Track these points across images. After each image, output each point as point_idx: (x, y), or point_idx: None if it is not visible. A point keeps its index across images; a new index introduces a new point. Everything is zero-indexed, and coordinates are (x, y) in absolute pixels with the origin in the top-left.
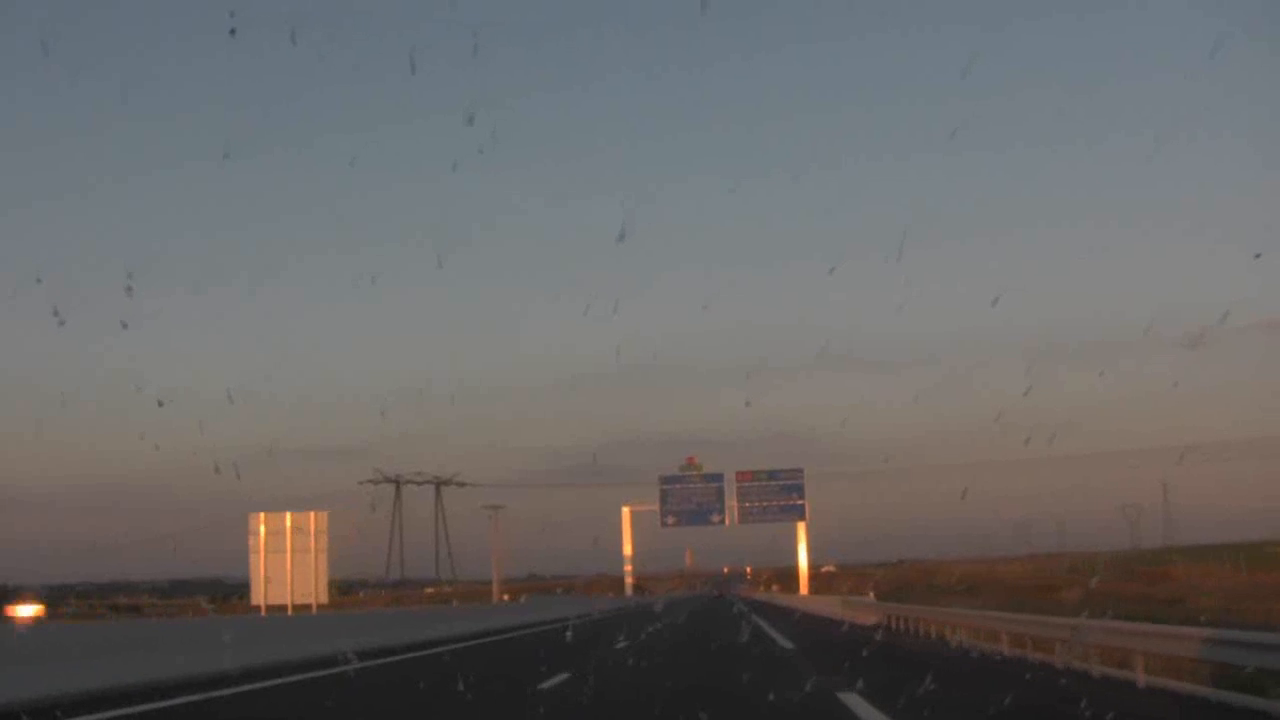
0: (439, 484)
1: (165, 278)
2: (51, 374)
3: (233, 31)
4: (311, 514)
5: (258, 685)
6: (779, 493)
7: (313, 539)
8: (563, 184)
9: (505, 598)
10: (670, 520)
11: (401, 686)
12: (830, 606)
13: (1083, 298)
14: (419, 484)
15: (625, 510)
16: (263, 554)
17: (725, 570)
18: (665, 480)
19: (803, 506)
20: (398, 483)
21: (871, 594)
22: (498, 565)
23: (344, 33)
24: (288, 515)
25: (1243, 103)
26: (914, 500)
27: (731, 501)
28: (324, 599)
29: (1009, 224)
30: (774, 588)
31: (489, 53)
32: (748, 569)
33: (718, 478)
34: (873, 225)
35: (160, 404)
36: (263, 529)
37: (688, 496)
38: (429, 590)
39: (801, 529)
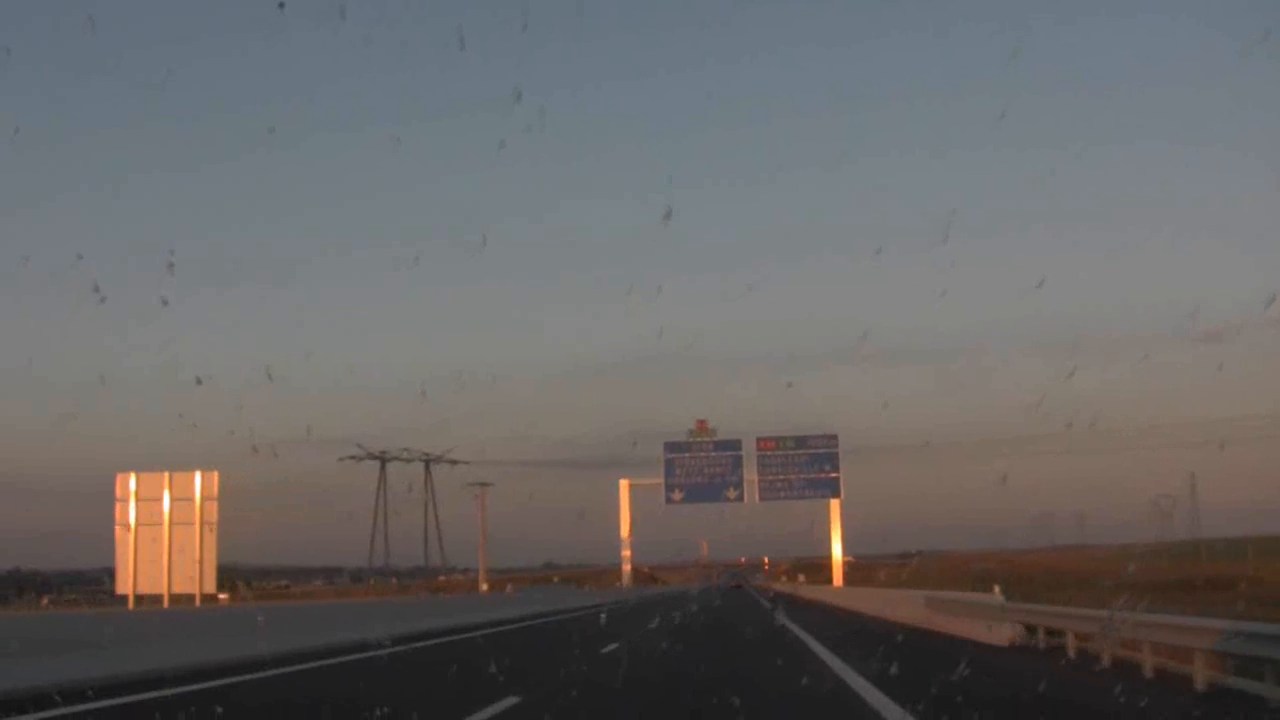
0: (428, 461)
1: (190, 270)
2: (82, 363)
3: (282, 5)
4: (196, 474)
5: None
6: (808, 464)
7: (198, 509)
8: (594, 177)
9: (484, 588)
10: (676, 496)
11: None
12: (900, 606)
13: (1107, 293)
14: (406, 461)
15: (623, 485)
16: (134, 528)
17: (742, 561)
18: (670, 448)
19: (836, 481)
20: (382, 459)
21: (998, 590)
22: (483, 549)
23: (385, 26)
24: (166, 477)
25: (1274, 102)
26: (926, 492)
27: (751, 475)
28: (210, 587)
29: (1037, 220)
30: (799, 578)
31: (513, 48)
32: (764, 560)
33: (733, 445)
34: (898, 220)
35: (199, 381)
36: (134, 499)
37: (698, 468)
38: (442, 579)
39: (835, 508)
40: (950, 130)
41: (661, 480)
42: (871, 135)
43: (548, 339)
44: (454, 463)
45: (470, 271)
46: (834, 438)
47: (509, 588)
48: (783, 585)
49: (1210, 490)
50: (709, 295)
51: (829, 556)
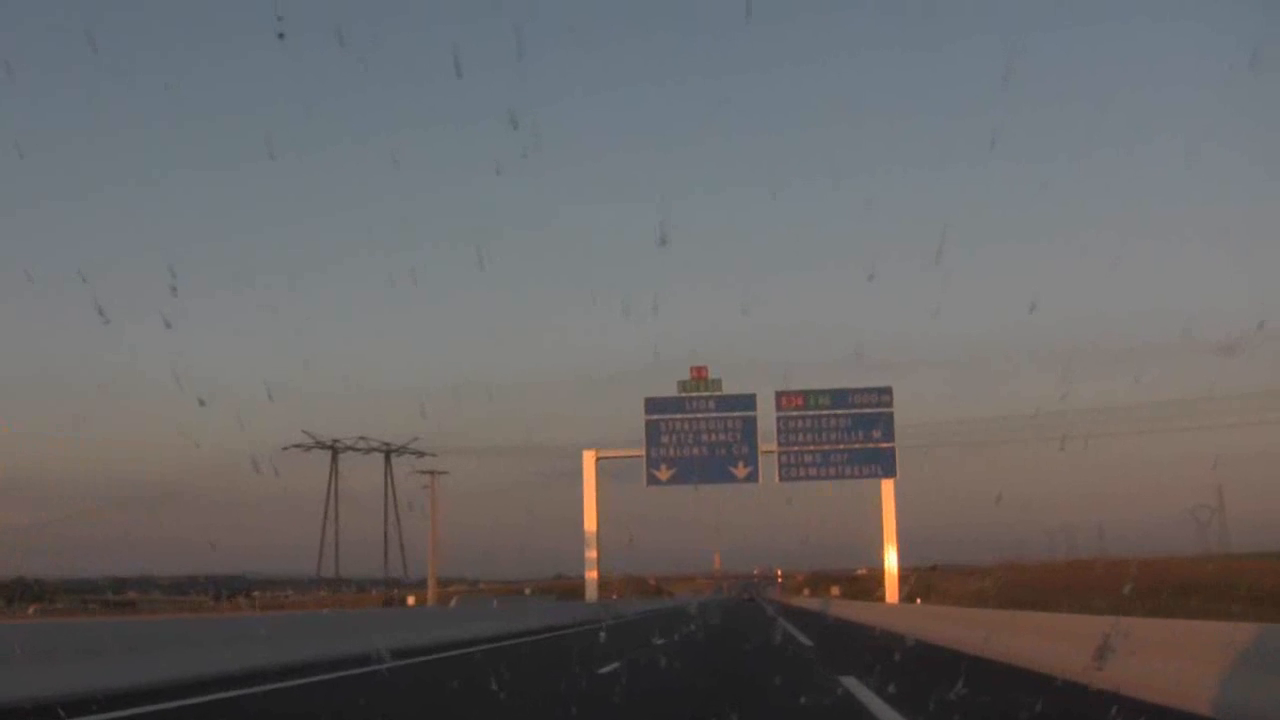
0: (389, 452)
1: (199, 276)
2: (90, 371)
3: (281, 35)
4: None
5: None
6: (850, 429)
7: None
8: (594, 188)
9: (411, 601)
10: (662, 473)
11: None
12: None
13: (1115, 304)
14: (363, 451)
15: (587, 458)
16: None
17: (755, 573)
18: (653, 407)
19: (890, 454)
20: (334, 449)
21: None
22: (433, 552)
23: (387, 37)
24: None
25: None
26: (931, 505)
27: (769, 445)
28: None
29: (1041, 231)
30: (832, 591)
31: (523, 56)
32: (778, 571)
33: (745, 402)
34: (902, 231)
35: (201, 403)
36: None
37: (693, 434)
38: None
39: (887, 492)
40: (948, 143)
41: (643, 452)
42: (869, 148)
43: (549, 348)
44: (420, 454)
45: (472, 280)
46: (887, 391)
47: (453, 601)
48: (806, 599)
49: (1232, 502)
50: (708, 305)
51: (862, 565)
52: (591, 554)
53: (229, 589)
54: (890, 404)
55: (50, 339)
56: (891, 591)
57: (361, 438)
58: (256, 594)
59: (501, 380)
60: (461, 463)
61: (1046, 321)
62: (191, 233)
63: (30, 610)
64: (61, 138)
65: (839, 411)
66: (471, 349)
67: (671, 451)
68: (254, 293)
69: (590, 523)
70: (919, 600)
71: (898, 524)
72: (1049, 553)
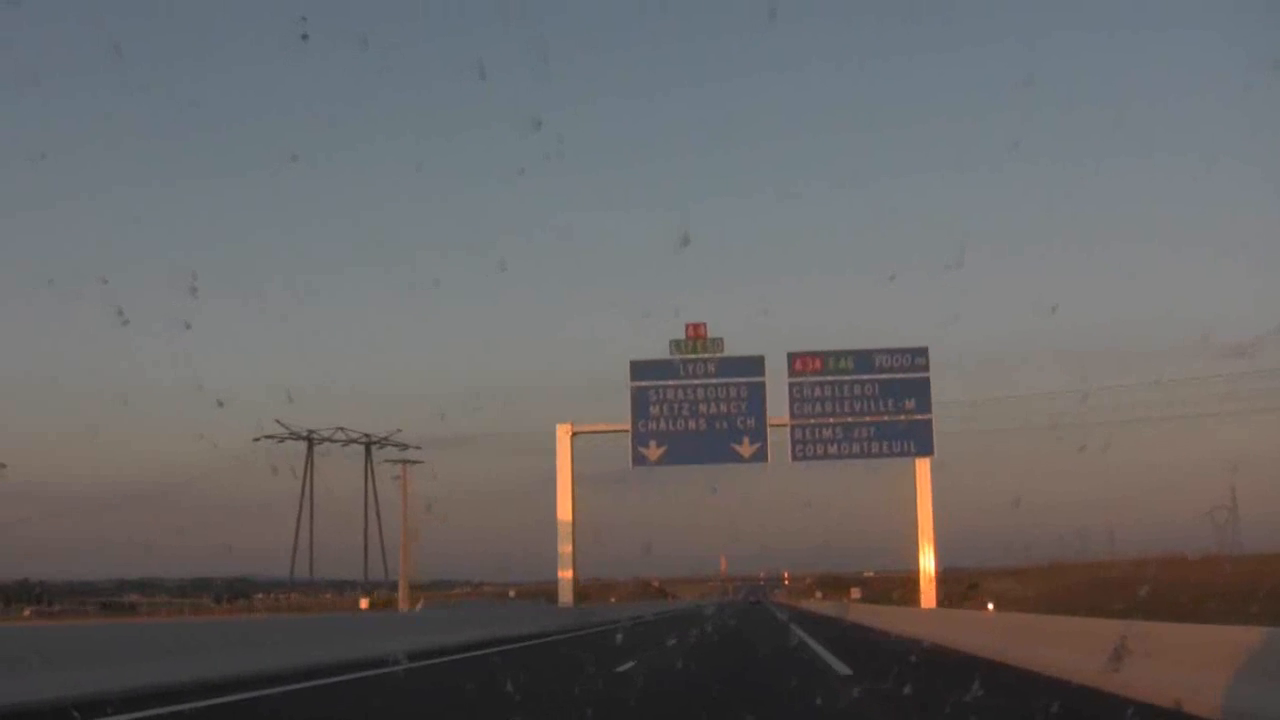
0: (369, 444)
1: (206, 279)
2: (107, 373)
3: (305, 36)
4: None
5: None
6: (878, 397)
7: None
8: (613, 193)
9: (364, 604)
10: (652, 451)
11: None
12: None
13: (1131, 310)
14: (342, 443)
15: (561, 432)
16: None
17: (761, 576)
18: (640, 372)
19: (927, 427)
20: (310, 440)
21: None
22: (405, 550)
23: (404, 44)
24: None
25: None
26: (946, 506)
27: (780, 416)
28: None
29: (1058, 236)
30: (851, 593)
31: (532, 71)
32: (785, 575)
33: (750, 365)
34: (919, 236)
35: (220, 404)
36: None
37: (689, 403)
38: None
39: (923, 474)
40: (966, 147)
41: (628, 427)
42: (887, 152)
43: (561, 351)
44: (403, 446)
45: (486, 285)
46: (922, 354)
47: (419, 604)
48: (819, 603)
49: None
50: (722, 310)
51: (869, 568)
52: (566, 549)
53: (233, 591)
54: (926, 368)
55: (56, 340)
56: (928, 595)
57: (340, 429)
58: (260, 596)
59: (514, 383)
60: (468, 464)
61: (1063, 325)
62: (200, 236)
63: (26, 613)
64: (79, 141)
65: (864, 377)
66: (482, 352)
67: (663, 425)
68: (261, 296)
69: (564, 511)
70: (990, 606)
71: (935, 513)
72: (1061, 554)
